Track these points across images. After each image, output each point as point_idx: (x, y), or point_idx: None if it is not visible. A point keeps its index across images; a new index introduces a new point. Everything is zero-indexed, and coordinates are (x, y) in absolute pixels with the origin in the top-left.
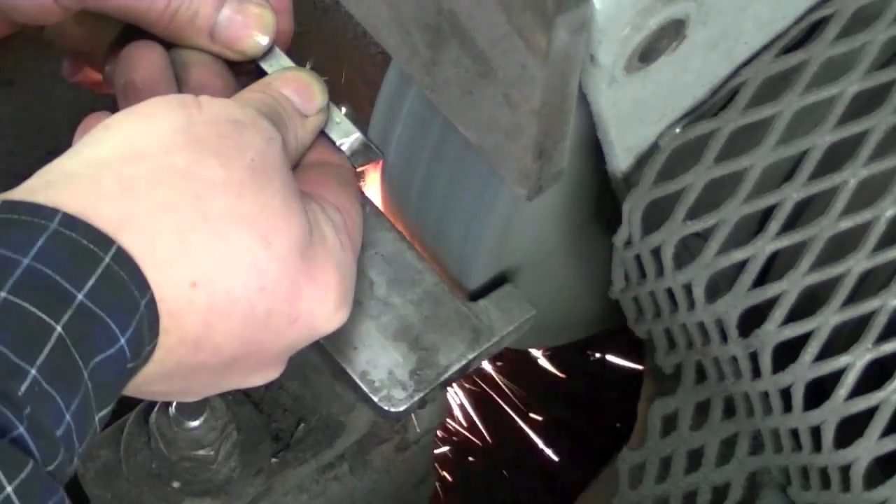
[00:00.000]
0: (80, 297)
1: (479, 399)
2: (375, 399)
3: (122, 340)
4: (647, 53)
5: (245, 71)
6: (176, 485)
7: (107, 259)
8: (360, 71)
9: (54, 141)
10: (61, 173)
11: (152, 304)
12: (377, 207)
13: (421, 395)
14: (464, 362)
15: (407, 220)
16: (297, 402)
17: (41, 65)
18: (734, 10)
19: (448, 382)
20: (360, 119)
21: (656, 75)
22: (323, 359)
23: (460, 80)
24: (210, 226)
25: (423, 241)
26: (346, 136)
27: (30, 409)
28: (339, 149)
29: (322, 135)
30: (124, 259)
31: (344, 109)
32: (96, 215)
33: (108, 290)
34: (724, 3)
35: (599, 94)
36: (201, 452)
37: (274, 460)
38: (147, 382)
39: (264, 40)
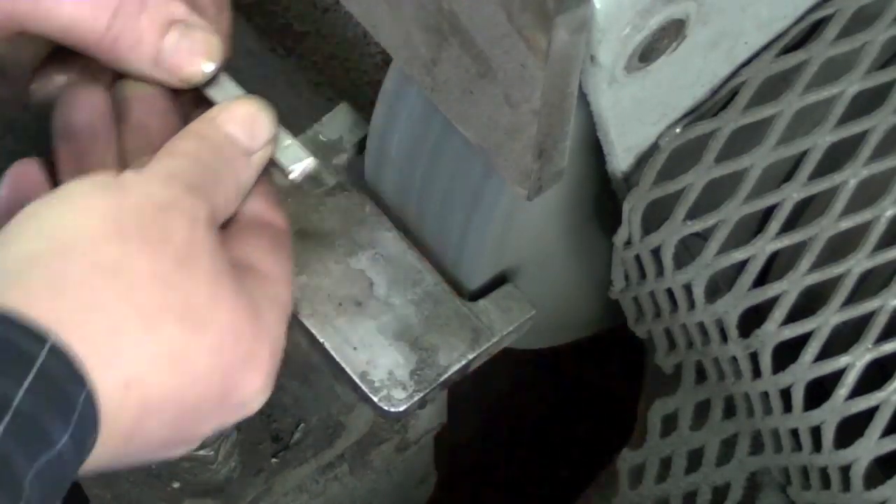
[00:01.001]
0: (14, 404)
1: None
2: (375, 399)
3: (62, 442)
4: (648, 53)
5: (189, 99)
6: (176, 485)
7: (41, 357)
8: (360, 71)
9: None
10: None
11: (89, 400)
12: (377, 207)
13: (421, 395)
14: (464, 362)
15: (407, 220)
16: (297, 402)
17: None
18: (734, 9)
19: (448, 382)
20: (360, 119)
21: (656, 75)
22: (323, 359)
23: (460, 80)
24: (142, 321)
25: (423, 241)
26: (297, 162)
27: None
28: (277, 200)
29: (264, 178)
30: (59, 354)
31: (340, 108)
32: (28, 315)
33: (44, 393)
34: (725, 2)
35: (599, 93)
36: (201, 452)
37: (274, 460)
38: (79, 472)
39: (209, 67)
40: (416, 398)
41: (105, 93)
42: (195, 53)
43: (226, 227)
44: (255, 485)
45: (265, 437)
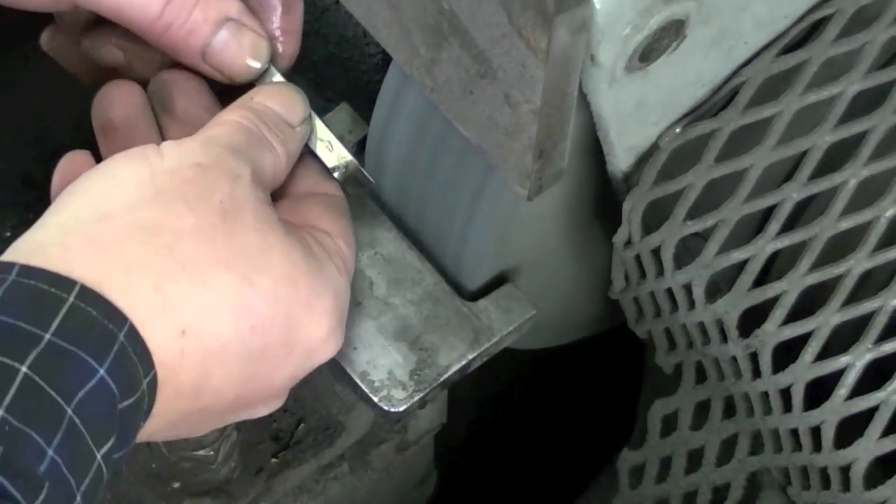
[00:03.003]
0: (47, 336)
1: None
2: (375, 399)
3: (102, 371)
4: (648, 53)
5: (235, 92)
6: (176, 485)
7: (71, 298)
8: (360, 71)
9: (54, 141)
10: (32, 244)
11: (134, 335)
12: (377, 207)
13: (421, 395)
14: (464, 362)
15: (407, 220)
16: (297, 402)
17: (41, 65)
18: (734, 9)
19: (448, 382)
20: (360, 119)
21: (657, 75)
22: None
23: (460, 80)
24: (189, 273)
25: (423, 241)
26: (340, 162)
27: (2, 449)
28: (329, 174)
29: (313, 159)
30: (90, 295)
31: (340, 109)
32: (65, 274)
33: (76, 326)
34: (725, 2)
35: (599, 94)
36: (201, 452)
37: (274, 460)
38: (152, 434)
39: (256, 66)
40: (416, 398)
41: (140, 88)
42: (242, 53)
43: (279, 199)
44: (255, 485)
45: (265, 437)
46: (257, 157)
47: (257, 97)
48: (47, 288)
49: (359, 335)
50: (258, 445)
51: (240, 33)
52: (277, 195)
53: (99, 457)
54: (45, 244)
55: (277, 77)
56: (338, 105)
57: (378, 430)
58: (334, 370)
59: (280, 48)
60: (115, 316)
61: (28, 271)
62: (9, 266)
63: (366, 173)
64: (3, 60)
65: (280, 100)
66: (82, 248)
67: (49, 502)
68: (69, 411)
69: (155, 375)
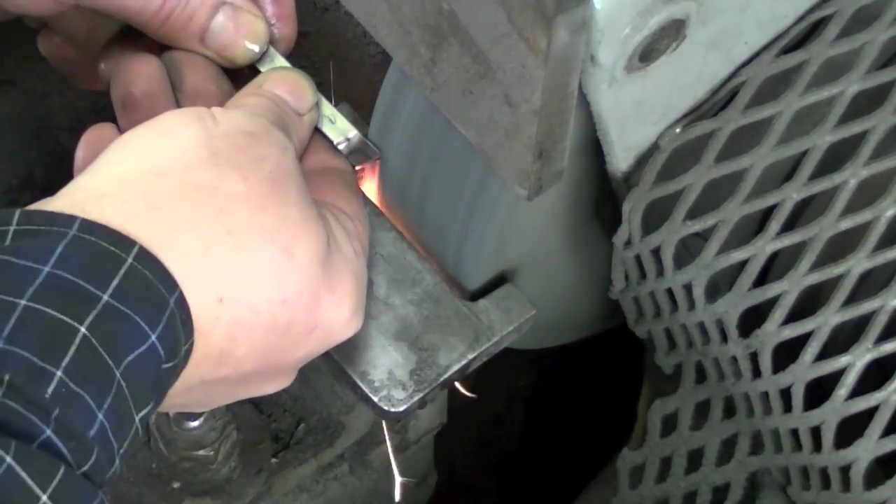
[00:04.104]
0: (105, 297)
1: None
2: (375, 399)
3: (153, 337)
4: (648, 53)
5: (242, 73)
6: (176, 485)
7: (129, 259)
8: (360, 71)
9: (54, 141)
10: (85, 191)
11: (182, 302)
12: (377, 207)
13: (421, 395)
14: (464, 362)
15: (407, 220)
16: (297, 402)
17: (41, 65)
18: (734, 10)
19: (448, 382)
20: (360, 119)
21: (656, 75)
22: (323, 359)
23: (460, 80)
24: (234, 239)
25: (423, 241)
26: (344, 135)
27: (58, 412)
28: (337, 149)
29: (319, 135)
30: (147, 258)
31: (340, 108)
32: (123, 231)
33: (132, 290)
34: (725, 2)
35: (599, 94)
36: (201, 452)
37: (274, 460)
38: (168, 395)
39: (255, 48)
40: (416, 398)
41: (161, 64)
42: (240, 35)
43: None
44: (255, 485)
45: (265, 437)
46: (291, 138)
47: (266, 84)
48: (107, 246)
49: (359, 335)
50: (258, 445)
51: (236, 16)
52: None
53: (137, 420)
54: (102, 195)
55: (281, 60)
56: (338, 105)
57: (378, 430)
58: (334, 370)
59: (276, 33)
60: (168, 281)
61: (89, 227)
62: (69, 220)
63: (371, 144)
64: (3, 60)
65: (288, 87)
66: (138, 204)
67: (96, 467)
68: (118, 375)
69: (192, 341)
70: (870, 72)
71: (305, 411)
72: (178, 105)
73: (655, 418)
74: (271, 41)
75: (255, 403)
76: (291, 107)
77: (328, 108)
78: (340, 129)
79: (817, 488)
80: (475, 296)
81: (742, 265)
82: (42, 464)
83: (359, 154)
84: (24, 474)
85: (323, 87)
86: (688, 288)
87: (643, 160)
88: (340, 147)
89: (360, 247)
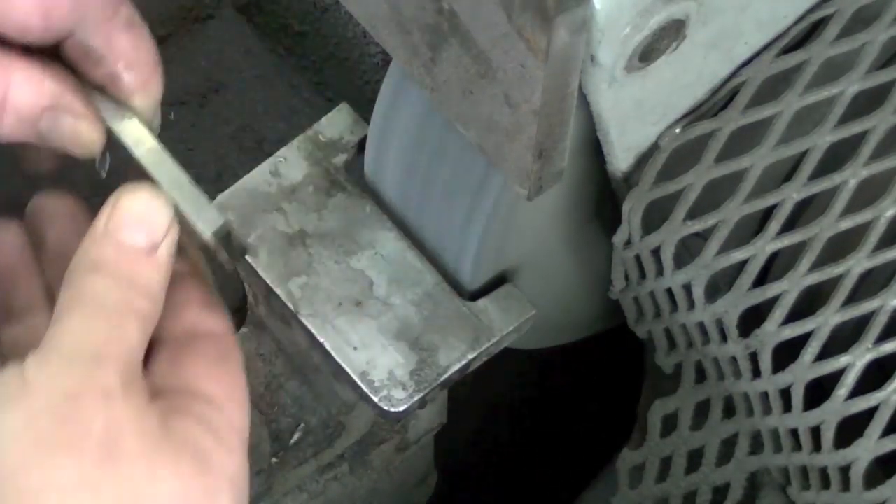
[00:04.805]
0: None
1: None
2: (375, 399)
3: None
4: (648, 53)
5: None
6: None
7: None
8: (360, 71)
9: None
10: None
11: None
12: (377, 207)
13: (421, 395)
14: (464, 362)
15: (407, 219)
16: (297, 402)
17: None
18: (734, 10)
19: (448, 382)
20: (360, 119)
21: (657, 75)
22: (323, 359)
23: (460, 80)
24: None
25: (423, 241)
26: (212, 224)
27: None
28: (214, 298)
29: (190, 282)
30: None
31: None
32: None
33: None
34: (725, 2)
35: (599, 94)
36: None
37: (274, 460)
38: None
39: (85, 153)
40: (416, 398)
41: (17, 227)
42: (65, 143)
43: (154, 349)
44: (255, 485)
45: (265, 437)
46: (125, 338)
47: (110, 225)
48: None
49: (359, 335)
50: (258, 446)
51: (57, 121)
52: (154, 339)
53: None
54: None
55: (142, 138)
56: (338, 105)
57: (378, 430)
58: (334, 370)
59: (132, 84)
60: None
61: None
62: None
63: (241, 239)
64: None
65: (137, 220)
66: None
67: None
68: None
69: None
70: (870, 72)
71: (305, 411)
72: (44, 268)
73: (655, 418)
74: (127, 96)
75: (255, 403)
76: (142, 247)
77: (193, 197)
78: (206, 218)
79: (817, 488)
80: (475, 296)
81: (742, 265)
82: None
83: (227, 245)
84: None
85: (323, 87)
86: (687, 288)
87: (643, 160)
88: (205, 237)
89: (235, 441)
